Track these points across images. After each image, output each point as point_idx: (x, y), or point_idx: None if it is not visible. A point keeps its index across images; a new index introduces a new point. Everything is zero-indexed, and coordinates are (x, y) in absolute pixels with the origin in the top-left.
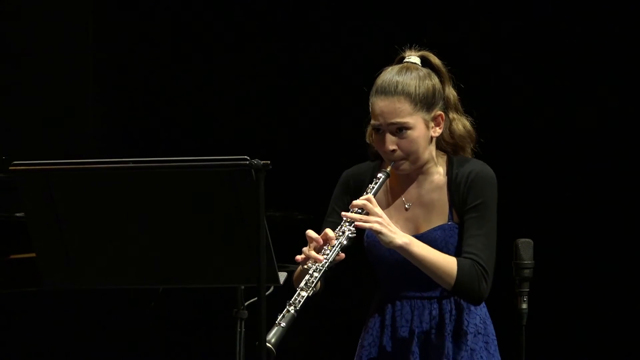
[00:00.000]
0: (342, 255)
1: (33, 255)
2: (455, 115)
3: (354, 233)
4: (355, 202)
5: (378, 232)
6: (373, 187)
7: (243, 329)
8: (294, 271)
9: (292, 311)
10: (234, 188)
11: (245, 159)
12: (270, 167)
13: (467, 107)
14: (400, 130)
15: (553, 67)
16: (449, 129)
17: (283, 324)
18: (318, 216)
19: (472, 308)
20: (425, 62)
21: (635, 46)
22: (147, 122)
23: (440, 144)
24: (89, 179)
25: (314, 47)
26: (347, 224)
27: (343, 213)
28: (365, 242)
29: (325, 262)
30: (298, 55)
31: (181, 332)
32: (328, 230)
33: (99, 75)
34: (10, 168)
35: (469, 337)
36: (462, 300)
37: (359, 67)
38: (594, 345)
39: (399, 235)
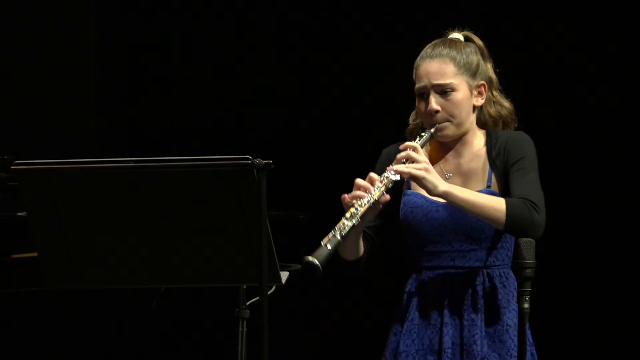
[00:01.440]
0: (387, 196)
1: (35, 254)
2: (498, 95)
3: (399, 178)
4: (400, 154)
5: (422, 178)
6: (418, 142)
7: (245, 329)
8: (295, 271)
9: (338, 237)
10: (236, 188)
11: (247, 159)
12: (272, 166)
13: None
14: (444, 92)
15: (553, 66)
16: (495, 105)
17: (329, 246)
18: (320, 216)
19: (506, 283)
20: (468, 40)
21: (636, 46)
22: (149, 122)
23: (483, 118)
24: (90, 178)
25: (315, 47)
26: (392, 172)
27: (388, 167)
28: (401, 212)
29: (370, 198)
30: (298, 55)
31: (183, 331)
32: (372, 174)
33: (100, 75)
34: (12, 168)
35: (503, 311)
36: (494, 274)
37: (361, 66)
38: (595, 345)
39: (441, 182)
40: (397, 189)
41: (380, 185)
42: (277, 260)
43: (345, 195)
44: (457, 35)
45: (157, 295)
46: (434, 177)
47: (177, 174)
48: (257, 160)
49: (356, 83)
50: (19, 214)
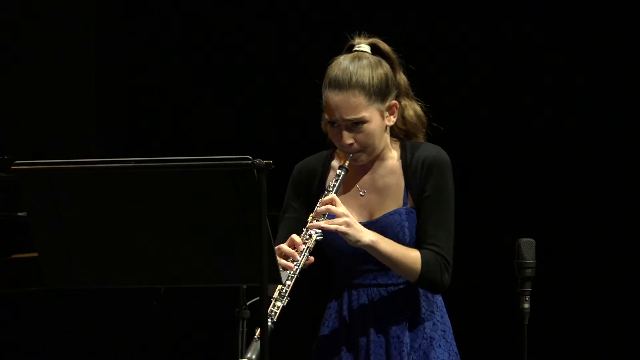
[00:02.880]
0: (312, 258)
1: (35, 254)
2: (406, 102)
3: (321, 236)
4: (318, 208)
5: (344, 234)
6: (334, 185)
7: (245, 329)
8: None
9: (270, 324)
10: (236, 188)
11: (248, 159)
12: (273, 166)
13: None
14: (356, 124)
15: (555, 66)
16: (402, 115)
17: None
18: None
19: (429, 296)
20: (375, 49)
21: (636, 46)
22: (149, 122)
23: (393, 130)
24: (91, 178)
25: (315, 47)
26: (314, 231)
27: (309, 224)
28: (322, 231)
29: (297, 269)
30: (299, 54)
31: (183, 331)
32: (294, 237)
33: (101, 75)
34: (12, 167)
35: (427, 324)
36: (418, 288)
37: None
38: (595, 345)
39: (365, 233)
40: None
41: (304, 248)
42: (277, 261)
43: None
44: (363, 47)
45: (158, 295)
46: (355, 230)
47: (177, 174)
48: (257, 160)
49: None
50: (19, 214)
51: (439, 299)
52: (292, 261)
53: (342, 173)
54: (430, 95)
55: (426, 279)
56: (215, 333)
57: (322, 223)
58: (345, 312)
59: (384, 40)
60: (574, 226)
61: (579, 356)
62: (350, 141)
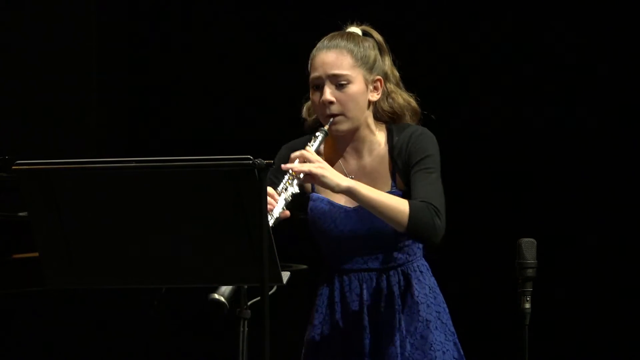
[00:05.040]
0: (287, 212)
1: (36, 255)
2: (394, 88)
3: (298, 190)
4: (293, 154)
5: (321, 176)
6: (312, 145)
7: (246, 329)
8: (297, 271)
9: None
10: (237, 187)
11: (249, 159)
12: (273, 166)
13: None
14: (340, 84)
15: (555, 66)
16: (387, 99)
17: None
18: None
19: (421, 278)
20: (366, 34)
21: (635, 46)
22: (150, 122)
23: (379, 113)
24: (91, 178)
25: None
26: (289, 180)
27: (282, 165)
28: (309, 215)
29: (271, 218)
30: (299, 54)
31: (184, 331)
32: (270, 189)
33: (102, 75)
34: (13, 167)
35: (422, 307)
36: (410, 271)
37: None
38: (596, 345)
39: (343, 178)
40: (302, 192)
41: (279, 199)
42: (278, 261)
43: None
44: (355, 30)
45: (158, 295)
46: (332, 174)
47: (178, 174)
48: (258, 160)
49: None
50: (20, 214)
51: (431, 279)
52: (270, 212)
53: (321, 135)
54: (430, 95)
55: (416, 222)
56: (215, 333)
57: (297, 165)
58: (337, 299)
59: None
60: (575, 226)
61: (579, 356)
62: (331, 98)
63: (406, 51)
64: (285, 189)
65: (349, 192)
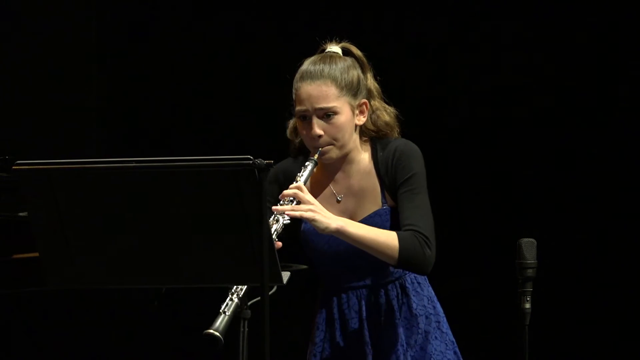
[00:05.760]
0: (279, 243)
1: (36, 255)
2: (378, 104)
3: (288, 220)
4: (285, 192)
5: (312, 220)
6: (302, 175)
7: (246, 329)
8: (297, 271)
9: (236, 300)
10: (237, 188)
11: (249, 159)
12: (274, 167)
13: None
14: (327, 115)
15: (555, 66)
16: (371, 117)
17: (228, 313)
18: None
19: (419, 289)
20: (346, 53)
21: (636, 46)
22: (150, 122)
23: (364, 132)
24: (91, 178)
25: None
26: (280, 215)
27: (274, 207)
28: (301, 236)
29: None
30: (299, 53)
31: (184, 331)
32: None
33: (102, 75)
34: (13, 168)
35: (420, 319)
36: (407, 283)
37: None
38: (596, 345)
39: (333, 220)
40: (292, 220)
41: (272, 232)
42: (278, 261)
43: None
44: (335, 49)
45: (159, 295)
46: (323, 216)
47: (178, 174)
48: (258, 160)
49: None
50: (21, 214)
51: (429, 290)
52: None
53: (310, 165)
54: (430, 95)
55: (406, 257)
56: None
57: (288, 208)
58: (336, 316)
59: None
60: (575, 226)
61: (579, 356)
62: (320, 132)
63: (406, 51)
64: (277, 221)
65: (338, 233)
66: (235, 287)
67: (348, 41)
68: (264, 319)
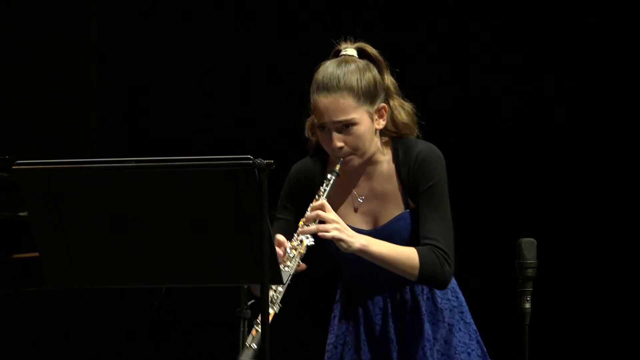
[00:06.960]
0: (303, 265)
1: (36, 254)
2: (396, 103)
3: (313, 242)
4: (308, 214)
5: (338, 240)
6: (325, 190)
7: (246, 329)
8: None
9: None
10: (237, 188)
11: (249, 159)
12: (274, 166)
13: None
14: (346, 126)
15: (555, 67)
16: (391, 118)
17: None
18: None
19: None
20: (361, 53)
21: (635, 46)
22: (150, 121)
23: (384, 133)
24: (91, 178)
25: (316, 47)
26: (305, 236)
27: (299, 230)
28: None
29: (289, 276)
30: (299, 54)
31: (184, 331)
32: (279, 236)
33: (101, 75)
34: (13, 167)
35: (445, 313)
36: None
37: None
38: (596, 345)
39: (356, 239)
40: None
41: (295, 254)
42: (278, 260)
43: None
44: (350, 51)
45: (159, 295)
46: (348, 235)
47: (178, 174)
48: (258, 160)
49: None
50: (20, 214)
51: (452, 280)
52: (284, 267)
53: (333, 177)
54: (430, 95)
55: (426, 275)
56: (216, 333)
57: (312, 227)
58: (360, 312)
59: (370, 44)
60: (575, 226)
61: (580, 356)
62: (340, 144)
63: (405, 51)
64: (300, 242)
65: (360, 252)
66: (259, 317)
67: (362, 40)
68: (263, 318)
